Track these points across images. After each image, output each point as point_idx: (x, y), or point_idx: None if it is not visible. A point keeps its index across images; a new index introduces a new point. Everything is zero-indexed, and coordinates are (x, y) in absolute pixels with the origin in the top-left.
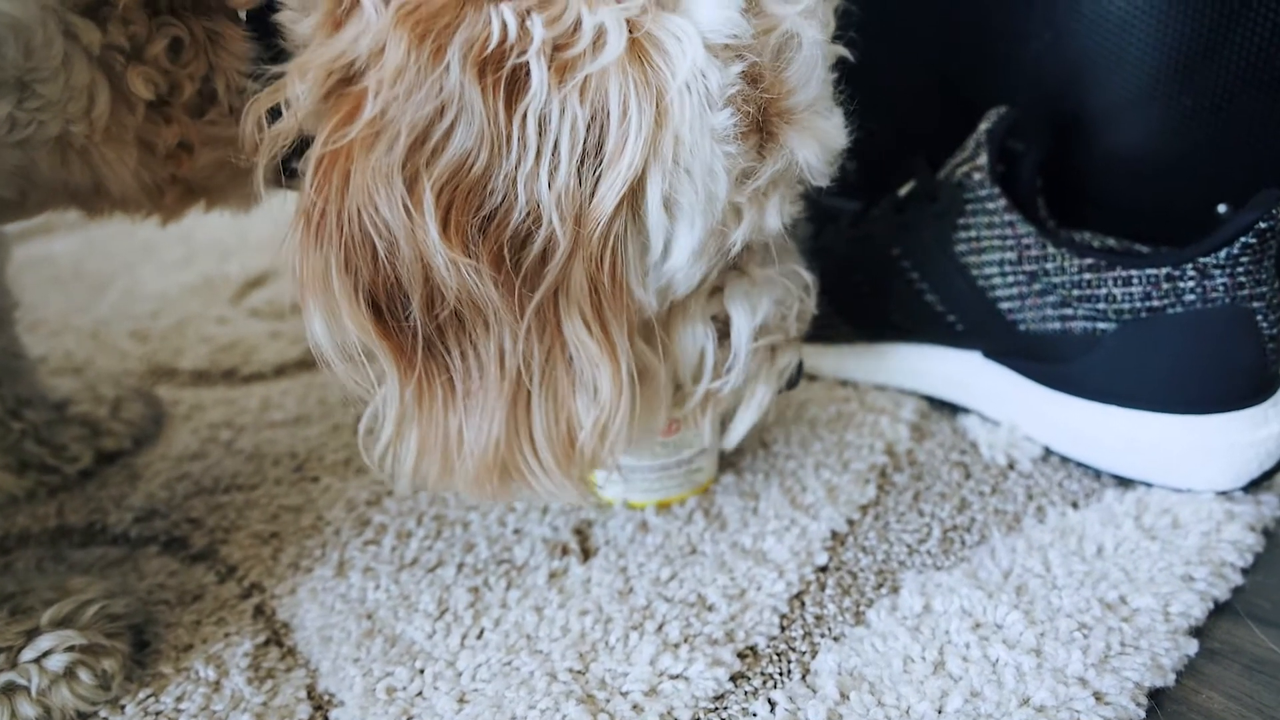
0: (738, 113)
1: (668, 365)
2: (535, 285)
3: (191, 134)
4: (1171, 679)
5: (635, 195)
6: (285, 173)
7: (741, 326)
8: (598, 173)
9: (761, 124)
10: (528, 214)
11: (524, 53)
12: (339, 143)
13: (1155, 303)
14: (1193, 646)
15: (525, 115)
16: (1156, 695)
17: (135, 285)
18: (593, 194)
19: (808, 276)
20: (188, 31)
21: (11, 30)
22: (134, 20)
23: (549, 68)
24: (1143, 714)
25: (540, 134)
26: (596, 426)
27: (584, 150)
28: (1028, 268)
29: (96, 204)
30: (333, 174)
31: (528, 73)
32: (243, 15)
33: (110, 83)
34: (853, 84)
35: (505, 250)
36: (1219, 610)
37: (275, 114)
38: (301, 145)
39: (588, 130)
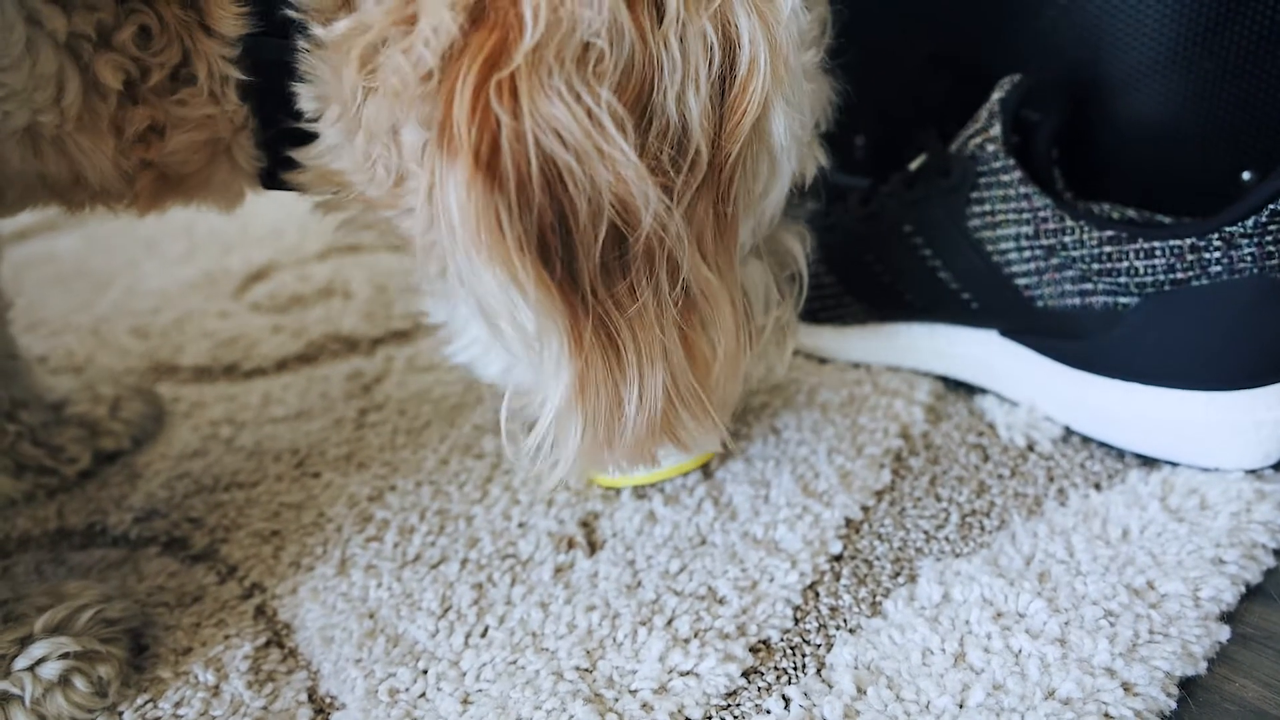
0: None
1: (742, 303)
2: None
3: (161, 115)
4: (1203, 667)
5: (760, 124)
6: (282, 165)
7: (800, 254)
8: (730, 99)
9: None
10: (679, 134)
11: None
12: (503, 70)
13: (1179, 275)
14: (1224, 632)
15: (668, 37)
16: (1188, 684)
17: (137, 282)
18: (722, 121)
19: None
20: (156, 18)
21: None
22: (100, 7)
23: None
24: (1174, 704)
25: (683, 55)
26: (725, 363)
27: (718, 75)
28: (1045, 241)
29: (75, 196)
30: (497, 105)
31: None
32: None
33: (80, 70)
34: (863, 57)
35: (671, 170)
36: (1251, 594)
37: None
38: (295, 135)
39: (723, 55)
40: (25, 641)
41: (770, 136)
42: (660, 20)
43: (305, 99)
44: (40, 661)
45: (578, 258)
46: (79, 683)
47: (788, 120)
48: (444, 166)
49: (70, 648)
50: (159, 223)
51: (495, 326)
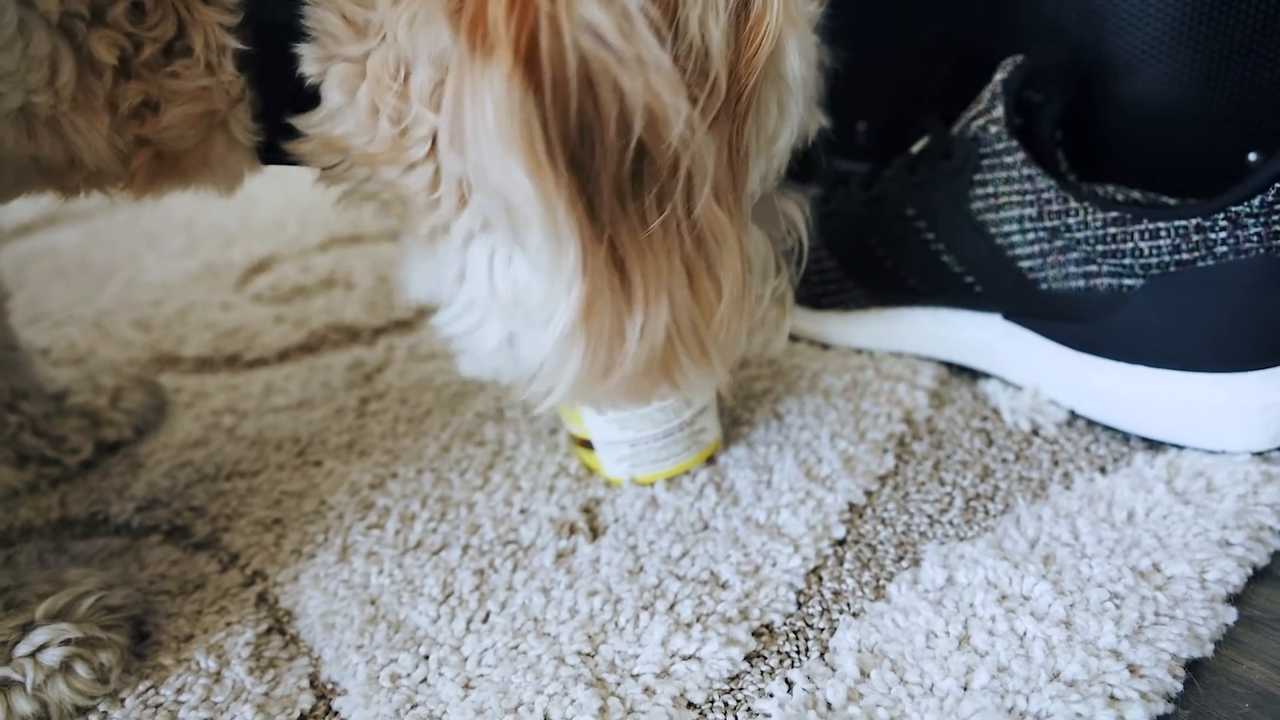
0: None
1: (748, 254)
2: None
3: (155, 90)
4: (1210, 649)
5: (774, 59)
6: (282, 135)
7: (800, 221)
8: (745, 31)
9: None
10: (702, 58)
11: None
12: None
13: (1185, 256)
14: (1231, 615)
15: None
16: (1194, 667)
17: (139, 274)
18: (739, 53)
19: None
20: None
21: None
22: None
23: None
24: (1180, 686)
25: None
26: (729, 308)
27: (734, 10)
28: (1049, 224)
29: (70, 179)
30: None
31: None
32: None
33: (74, 50)
34: (865, 41)
35: (695, 89)
36: (1258, 576)
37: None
38: (298, 98)
39: None
40: (27, 628)
41: (783, 75)
42: None
43: (309, 61)
44: (42, 648)
45: (601, 172)
46: (80, 669)
47: (800, 60)
48: (478, 66)
49: (72, 634)
50: (160, 217)
51: (519, 237)
